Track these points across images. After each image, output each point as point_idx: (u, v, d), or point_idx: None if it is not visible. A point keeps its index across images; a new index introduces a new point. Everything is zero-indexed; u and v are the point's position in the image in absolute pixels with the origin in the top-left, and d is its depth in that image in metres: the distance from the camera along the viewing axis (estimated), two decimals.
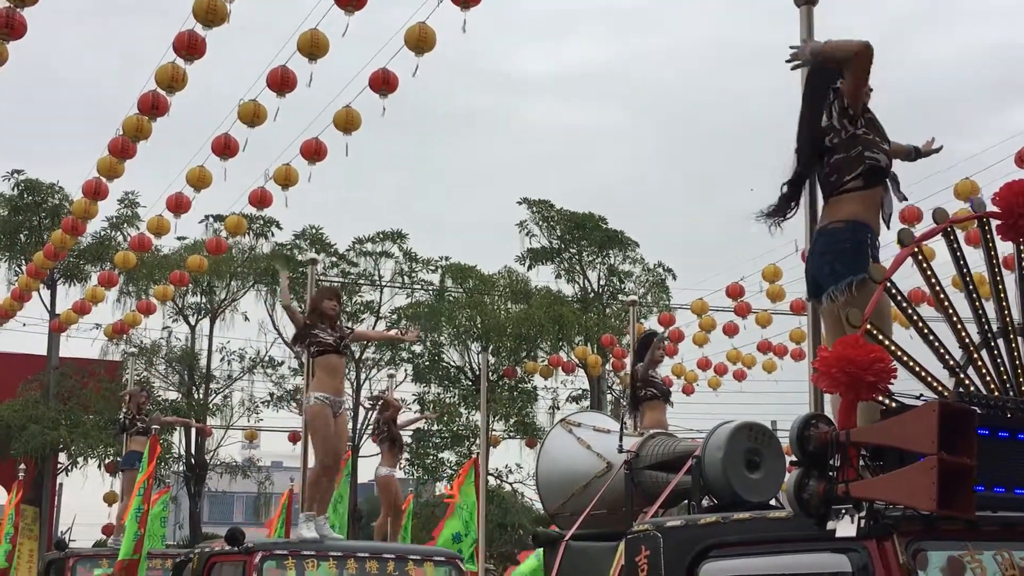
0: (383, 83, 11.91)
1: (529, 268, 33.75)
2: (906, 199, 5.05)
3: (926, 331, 3.75)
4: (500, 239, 62.50)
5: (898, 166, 5.01)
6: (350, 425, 30.86)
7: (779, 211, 4.99)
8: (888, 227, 4.90)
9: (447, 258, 33.33)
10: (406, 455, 28.08)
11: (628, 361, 13.24)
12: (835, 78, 4.84)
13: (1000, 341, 3.84)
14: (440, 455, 31.42)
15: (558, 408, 32.24)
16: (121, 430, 14.16)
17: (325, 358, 8.72)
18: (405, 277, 33.03)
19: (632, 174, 71.85)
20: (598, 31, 77.41)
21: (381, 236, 32.71)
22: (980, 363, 3.78)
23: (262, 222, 30.41)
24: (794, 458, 3.54)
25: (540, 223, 33.73)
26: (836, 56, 4.73)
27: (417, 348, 32.39)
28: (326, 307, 8.84)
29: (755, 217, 5.06)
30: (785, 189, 4.99)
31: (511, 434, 30.78)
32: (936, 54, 78.00)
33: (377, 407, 12.84)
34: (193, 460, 31.61)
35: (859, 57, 4.67)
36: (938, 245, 4.01)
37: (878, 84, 5.02)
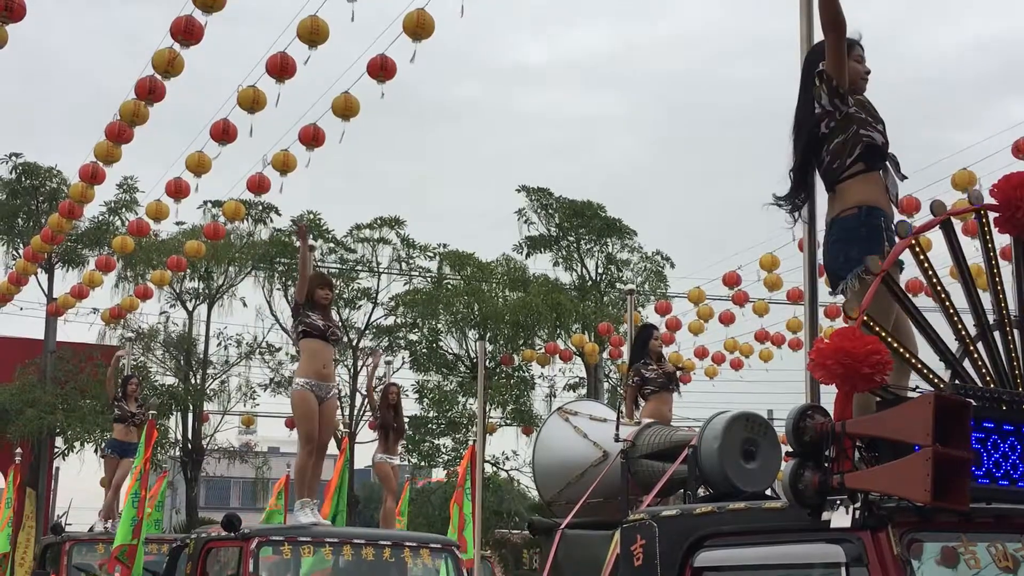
0: (381, 69, 11.90)
1: (527, 256, 33.76)
2: (906, 178, 5.02)
3: (922, 323, 3.76)
4: (498, 227, 62.57)
5: (897, 153, 4.99)
6: (347, 412, 30.90)
7: (790, 198, 4.96)
8: (897, 208, 4.88)
9: (445, 245, 33.34)
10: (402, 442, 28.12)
11: (625, 350, 13.29)
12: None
13: (996, 333, 3.84)
14: (437, 442, 31.44)
15: (555, 396, 32.27)
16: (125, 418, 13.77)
17: (309, 341, 8.58)
18: (403, 264, 33.01)
19: (631, 163, 71.88)
20: (598, 20, 77.31)
21: (379, 222, 32.67)
22: (976, 355, 3.78)
23: (261, 208, 30.40)
24: (790, 448, 3.55)
25: (539, 211, 33.71)
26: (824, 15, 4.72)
27: (414, 336, 32.38)
28: (319, 296, 8.73)
29: (765, 205, 5.04)
30: (792, 177, 4.97)
31: (508, 421, 30.80)
32: (935, 45, 77.97)
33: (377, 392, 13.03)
34: (190, 445, 31.64)
35: (827, 27, 4.67)
36: (936, 235, 4.00)
37: (880, 77, 5.01)
